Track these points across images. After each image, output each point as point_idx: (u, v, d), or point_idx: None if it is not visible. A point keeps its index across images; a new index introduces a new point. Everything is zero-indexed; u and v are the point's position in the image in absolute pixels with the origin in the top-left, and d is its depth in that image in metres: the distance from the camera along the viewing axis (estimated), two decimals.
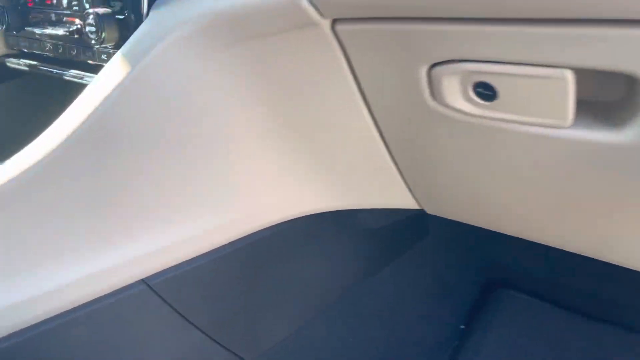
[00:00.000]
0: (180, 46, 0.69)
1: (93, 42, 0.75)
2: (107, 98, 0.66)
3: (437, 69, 0.65)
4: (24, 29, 0.94)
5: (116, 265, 0.71)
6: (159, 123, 0.70)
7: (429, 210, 0.96)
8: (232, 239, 0.86)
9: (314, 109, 0.79)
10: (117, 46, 0.76)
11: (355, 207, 0.97)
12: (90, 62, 0.83)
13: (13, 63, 0.99)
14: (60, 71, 0.88)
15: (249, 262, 0.90)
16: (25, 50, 0.97)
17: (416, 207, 0.96)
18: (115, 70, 0.68)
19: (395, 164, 0.86)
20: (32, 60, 0.97)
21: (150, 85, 0.68)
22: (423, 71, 0.66)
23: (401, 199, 0.95)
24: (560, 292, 1.26)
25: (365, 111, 0.78)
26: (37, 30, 0.88)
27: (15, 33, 0.96)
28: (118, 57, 0.69)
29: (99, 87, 0.68)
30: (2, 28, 0.96)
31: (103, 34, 0.74)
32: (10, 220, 0.62)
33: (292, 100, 0.78)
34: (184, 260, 0.79)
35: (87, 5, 0.81)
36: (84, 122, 0.65)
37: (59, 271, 0.66)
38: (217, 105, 0.74)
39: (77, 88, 0.85)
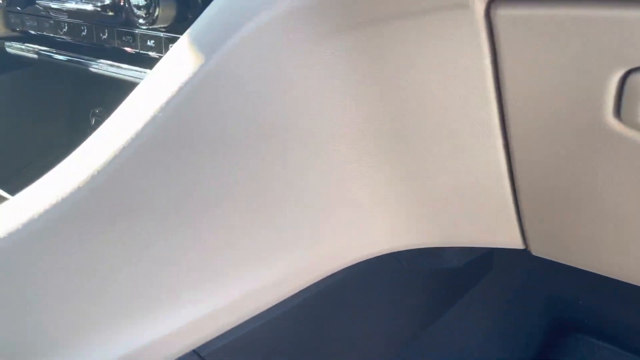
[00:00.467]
0: (273, 31, 0.50)
1: (141, 21, 0.54)
2: (170, 100, 0.46)
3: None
4: (33, 3, 0.71)
5: (162, 337, 0.52)
6: (235, 139, 0.50)
7: (535, 251, 0.79)
8: (294, 292, 0.67)
9: (431, 119, 0.61)
10: (171, 29, 0.56)
11: (444, 245, 0.79)
12: (127, 49, 0.62)
13: (15, 49, 0.77)
14: (83, 60, 0.66)
15: (311, 317, 0.75)
16: (33, 33, 0.75)
17: (519, 246, 0.80)
18: (181, 61, 0.48)
19: (515, 196, 0.69)
20: (42, 45, 0.74)
21: (229, 83, 0.49)
22: (614, 78, 0.49)
23: (503, 237, 0.78)
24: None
25: (497, 126, 0.60)
26: (54, 5, 0.66)
27: (19, 9, 0.74)
28: (185, 44, 0.48)
29: (158, 84, 0.47)
30: (1, 1, 0.74)
31: (157, 11, 0.53)
32: (26, 287, 0.41)
33: (405, 107, 0.60)
34: (241, 322, 0.61)
35: None
36: (135, 138, 0.45)
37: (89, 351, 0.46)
38: (314, 112, 0.55)
39: (106, 84, 0.64)
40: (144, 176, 0.45)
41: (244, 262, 0.56)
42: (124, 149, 0.45)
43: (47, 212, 0.42)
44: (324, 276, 0.70)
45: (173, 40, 0.57)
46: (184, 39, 0.49)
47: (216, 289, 0.54)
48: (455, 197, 0.70)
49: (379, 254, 0.76)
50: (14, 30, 0.78)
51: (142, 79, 0.63)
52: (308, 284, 0.68)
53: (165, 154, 0.46)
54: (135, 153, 0.45)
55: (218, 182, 0.50)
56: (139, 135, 0.45)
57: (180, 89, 0.47)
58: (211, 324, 0.57)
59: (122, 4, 0.58)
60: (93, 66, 0.65)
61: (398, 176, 0.66)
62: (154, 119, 0.46)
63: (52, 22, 0.69)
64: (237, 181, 0.52)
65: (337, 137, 0.59)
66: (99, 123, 0.89)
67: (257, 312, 0.63)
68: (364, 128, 0.59)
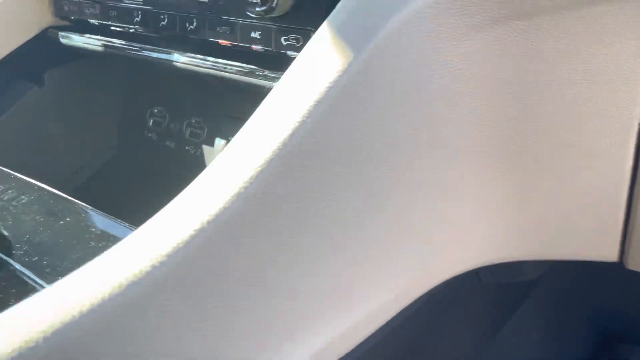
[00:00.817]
0: (422, 23, 0.43)
1: (257, 9, 0.47)
2: (319, 103, 0.39)
3: None
4: None
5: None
6: (373, 148, 0.44)
7: (632, 264, 0.75)
8: (396, 312, 0.61)
9: (567, 125, 0.56)
10: (285, 19, 0.49)
11: (534, 258, 0.74)
12: (220, 42, 0.54)
13: (73, 40, 0.68)
14: (165, 56, 0.58)
15: (406, 337, 0.69)
16: (93, 22, 0.66)
17: (612, 260, 0.75)
18: (324, 59, 0.41)
19: (628, 208, 0.64)
20: (103, 36, 0.66)
21: (377, 83, 0.42)
22: None
23: (601, 250, 0.74)
24: None
25: (634, 133, 0.55)
26: None
27: None
28: (326, 39, 0.42)
29: (302, 86, 0.40)
30: None
31: None
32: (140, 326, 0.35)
33: (544, 111, 0.53)
34: (356, 345, 0.54)
35: None
36: (282, 147, 0.38)
37: None
38: (455, 118, 0.48)
39: (169, 81, 0.56)
40: (295, 191, 0.39)
41: (367, 281, 0.50)
42: (272, 160, 0.38)
43: (192, 238, 0.35)
44: (423, 293, 0.64)
45: (285, 31, 0.49)
46: (324, 34, 0.43)
47: (345, 309, 0.48)
48: (565, 210, 0.65)
49: (470, 269, 0.70)
50: (65, 18, 0.69)
51: (235, 74, 0.56)
52: (407, 304, 0.62)
53: (315, 164, 0.40)
54: (284, 164, 0.38)
55: (361, 194, 0.44)
56: (286, 144, 0.39)
57: (329, 89, 0.40)
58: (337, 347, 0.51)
59: None
60: (179, 61, 0.57)
61: (513, 189, 0.60)
62: (302, 124, 0.39)
63: (121, 10, 0.61)
64: (374, 193, 0.46)
65: (467, 149, 0.53)
66: (157, 124, 0.81)
67: (371, 332, 0.57)
68: (499, 137, 0.53)
